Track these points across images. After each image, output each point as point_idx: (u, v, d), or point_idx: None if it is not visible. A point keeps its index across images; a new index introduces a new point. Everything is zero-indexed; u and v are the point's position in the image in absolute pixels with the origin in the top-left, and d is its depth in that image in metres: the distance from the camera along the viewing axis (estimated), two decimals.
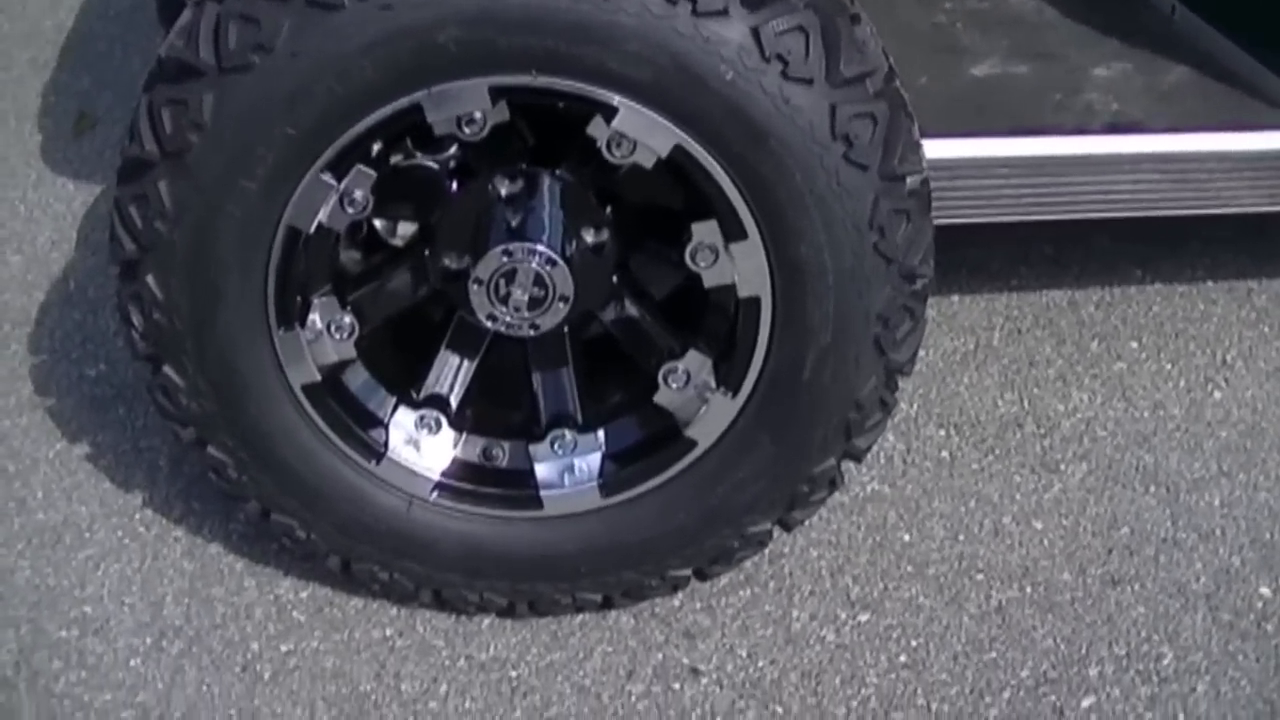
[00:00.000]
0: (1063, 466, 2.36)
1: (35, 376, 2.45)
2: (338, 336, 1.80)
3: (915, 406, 2.46)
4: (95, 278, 2.71)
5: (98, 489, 2.23)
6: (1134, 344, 2.66)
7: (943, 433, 2.41)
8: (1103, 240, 2.83)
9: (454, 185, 1.79)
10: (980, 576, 2.15)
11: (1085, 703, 1.97)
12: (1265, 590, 2.15)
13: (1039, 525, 2.25)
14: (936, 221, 1.83)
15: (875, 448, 2.13)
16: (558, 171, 1.78)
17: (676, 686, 1.96)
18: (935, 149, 2.03)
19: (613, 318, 1.86)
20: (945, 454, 2.37)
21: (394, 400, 1.88)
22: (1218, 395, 2.54)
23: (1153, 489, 2.32)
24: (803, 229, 1.65)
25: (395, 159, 1.74)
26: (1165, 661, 2.03)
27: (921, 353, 2.11)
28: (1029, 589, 2.13)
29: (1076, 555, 2.19)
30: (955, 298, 2.74)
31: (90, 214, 2.93)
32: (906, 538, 2.21)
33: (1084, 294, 2.78)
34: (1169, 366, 2.60)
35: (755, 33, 1.56)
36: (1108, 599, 2.12)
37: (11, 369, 2.48)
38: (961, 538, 2.21)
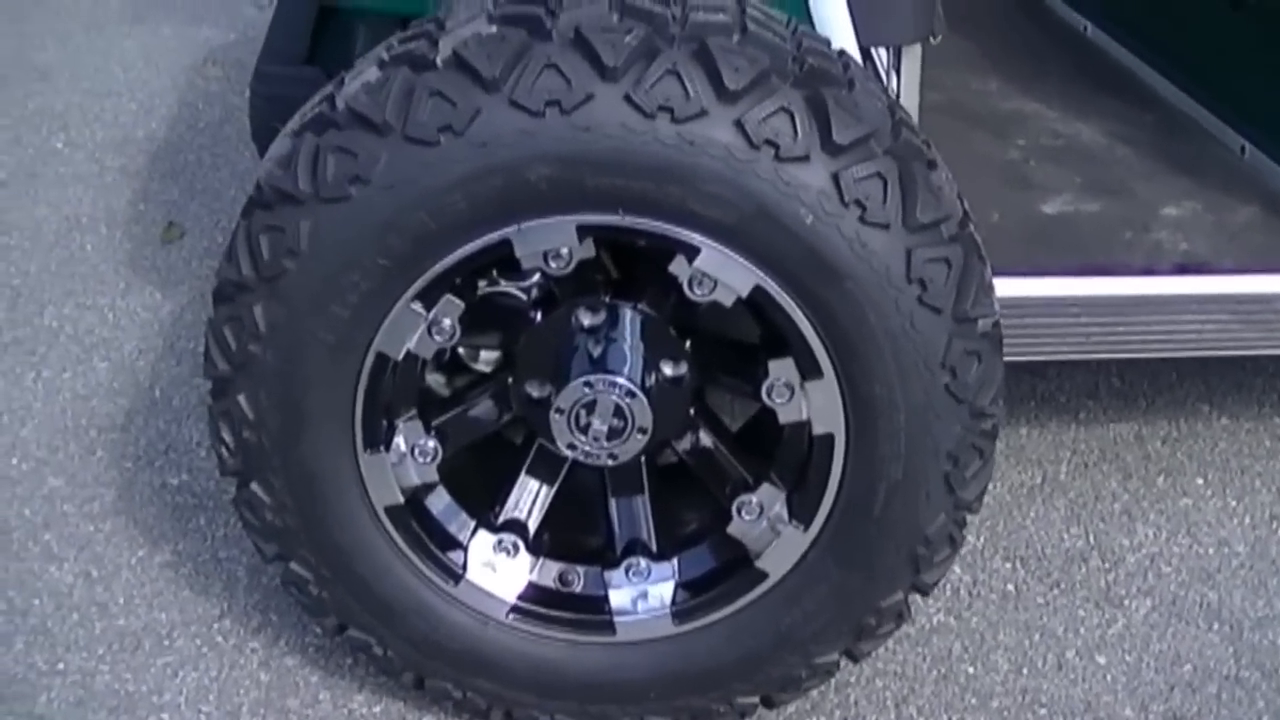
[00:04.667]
0: (1127, 602, 2.37)
1: (119, 483, 2.52)
2: (421, 460, 1.85)
3: (982, 539, 2.48)
4: (180, 387, 2.79)
5: (178, 597, 2.28)
6: (1199, 480, 2.67)
7: (1008, 566, 2.43)
8: (1170, 375, 2.86)
9: (538, 315, 1.85)
10: (1043, 711, 2.16)
11: None
12: None
13: (1102, 660, 2.25)
14: (1005, 359, 1.88)
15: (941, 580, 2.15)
16: (639, 305, 1.83)
17: None
18: (1006, 287, 2.08)
19: (688, 448, 1.90)
20: (1010, 587, 2.39)
21: (474, 524, 1.92)
22: None
23: (1216, 626, 2.33)
24: (876, 369, 1.69)
25: (482, 287, 1.79)
26: None
27: (989, 486, 2.15)
28: None
29: (1139, 691, 2.20)
30: (1023, 430, 2.77)
31: (177, 322, 3.02)
32: (971, 670, 2.22)
33: (1151, 429, 2.80)
34: (1234, 503, 2.61)
35: (835, 178, 1.61)
36: None
37: (96, 475, 2.54)
38: (1025, 671, 2.22)
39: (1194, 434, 2.79)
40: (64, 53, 4.31)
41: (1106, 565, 2.44)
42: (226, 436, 1.78)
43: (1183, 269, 2.32)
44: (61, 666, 2.13)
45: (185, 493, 2.51)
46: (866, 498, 1.77)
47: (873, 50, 2.08)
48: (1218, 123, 2.82)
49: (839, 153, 1.60)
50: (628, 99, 1.57)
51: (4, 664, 2.13)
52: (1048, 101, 2.94)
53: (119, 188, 3.59)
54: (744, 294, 1.69)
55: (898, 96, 2.12)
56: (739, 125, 1.58)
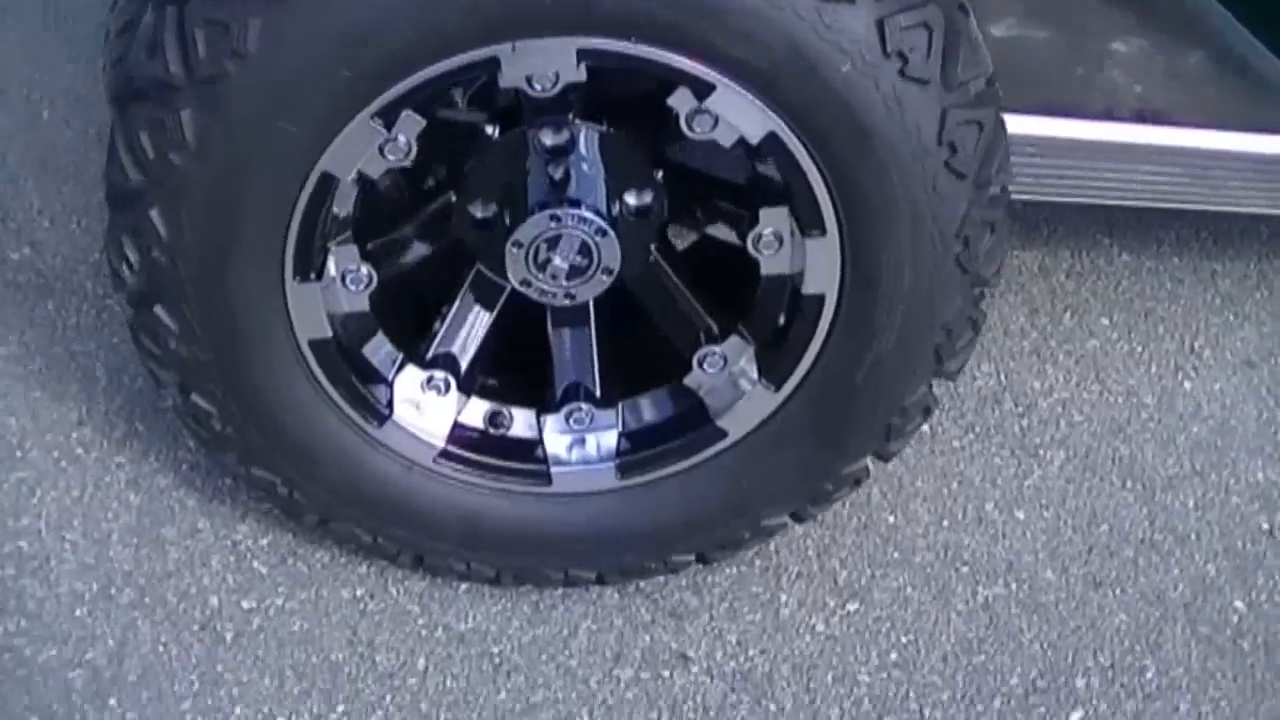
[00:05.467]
0: (1042, 452, 2.32)
1: None
2: (353, 288, 1.64)
3: None
4: (10, 143, 2.48)
5: (27, 399, 2.04)
6: (1105, 320, 2.63)
7: None
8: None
9: (494, 130, 1.62)
10: (966, 569, 2.12)
11: (1074, 716, 1.96)
12: (1240, 604, 2.15)
13: (1021, 515, 2.22)
14: None
15: None
16: (610, 128, 1.62)
17: (666, 674, 1.89)
18: None
19: (649, 290, 1.72)
20: (926, 428, 2.30)
21: (400, 357, 1.73)
22: (1188, 386, 2.52)
23: (1129, 484, 2.31)
24: (889, 235, 1.54)
25: (443, 111, 1.56)
26: (1149, 675, 2.02)
27: None
28: (1014, 586, 2.11)
29: (1059, 552, 2.17)
30: None
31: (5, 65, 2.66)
32: (891, 520, 2.16)
33: (1054, 260, 2.74)
34: (1140, 349, 2.58)
35: (880, 25, 1.43)
36: (1090, 602, 2.11)
37: None
38: (945, 524, 2.17)
39: (1096, 269, 2.74)
40: None
41: (1019, 410, 2.39)
42: (130, 255, 1.54)
43: (1141, 117, 2.21)
44: None
45: (28, 271, 2.25)
46: (849, 365, 1.66)
47: None
48: None
49: None
50: None
51: None
52: None
53: None
54: (754, 140, 1.50)
55: None
56: None
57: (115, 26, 1.94)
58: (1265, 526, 2.29)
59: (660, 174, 1.67)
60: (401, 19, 1.39)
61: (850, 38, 1.43)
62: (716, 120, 1.52)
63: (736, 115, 1.49)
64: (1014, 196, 2.19)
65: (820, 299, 1.62)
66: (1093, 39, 2.39)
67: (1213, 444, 2.42)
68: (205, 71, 1.42)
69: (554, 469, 1.78)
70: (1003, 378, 2.45)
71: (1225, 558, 2.22)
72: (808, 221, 1.57)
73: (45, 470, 1.95)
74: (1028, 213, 2.77)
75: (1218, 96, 2.33)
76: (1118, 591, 2.13)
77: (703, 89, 1.48)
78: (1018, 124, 2.12)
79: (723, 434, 1.74)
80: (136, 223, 1.52)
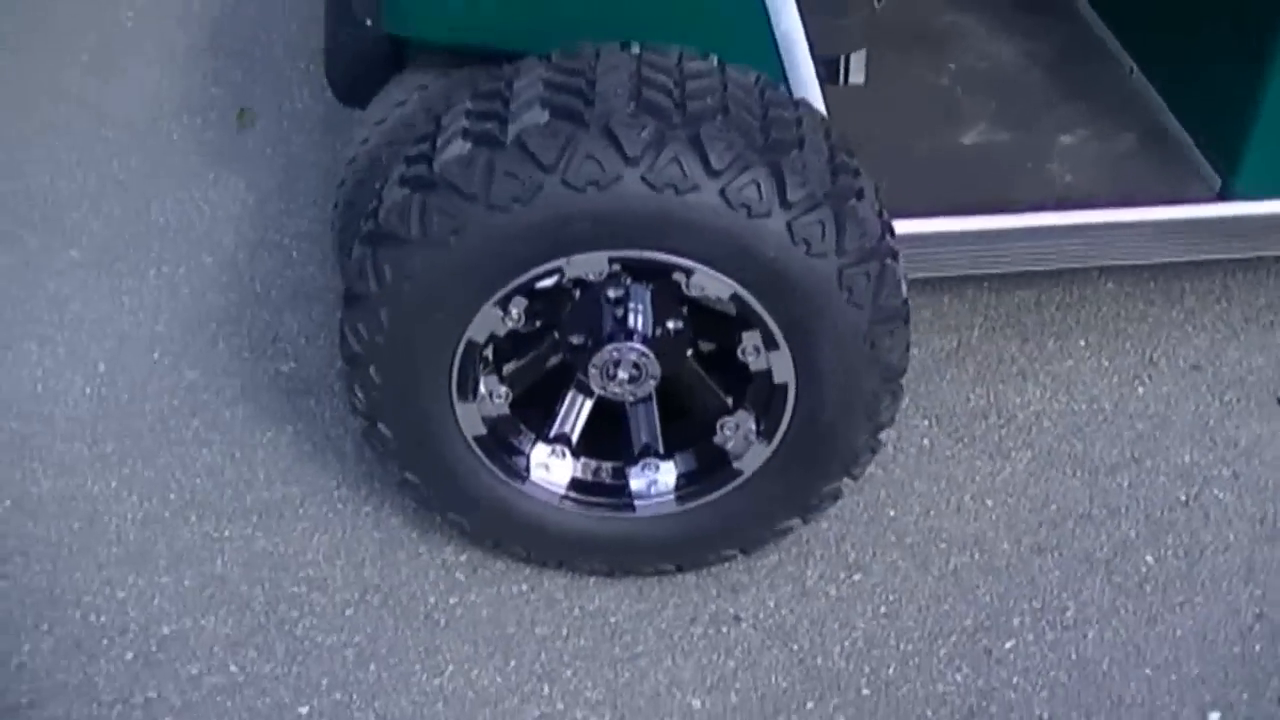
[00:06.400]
0: (1013, 453, 3.12)
1: (241, 373, 3.24)
2: (497, 401, 2.60)
3: (907, 400, 3.21)
4: (275, 279, 3.46)
5: (303, 471, 3.02)
6: (1082, 342, 3.39)
7: (925, 423, 3.19)
8: None
9: (577, 293, 2.56)
10: (943, 545, 2.94)
11: (1008, 644, 2.75)
12: (1150, 559, 2.93)
13: (990, 503, 3.03)
14: (925, 275, 2.69)
15: None
16: (648, 285, 2.54)
17: (725, 629, 2.78)
18: (926, 225, 2.81)
19: (687, 383, 2.65)
20: (926, 442, 3.16)
21: (534, 437, 2.68)
22: (1141, 390, 3.28)
23: (1079, 473, 3.09)
24: (818, 347, 2.41)
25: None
26: (1068, 614, 2.80)
27: (914, 351, 2.91)
28: (976, 555, 2.91)
29: (1015, 528, 2.97)
30: (945, 298, 3.48)
31: (262, 213, 3.65)
32: (892, 513, 3.00)
33: (1049, 295, 3.49)
34: (1106, 364, 3.34)
35: (789, 226, 2.30)
36: (1032, 564, 2.90)
37: (223, 365, 3.26)
38: (932, 513, 3.00)
39: (1084, 299, 3.49)
40: None
41: (1001, 421, 3.19)
42: (359, 394, 2.52)
43: (1062, 204, 2.97)
44: (227, 534, 2.90)
45: (295, 379, 3.22)
46: (811, 425, 2.52)
47: None
48: (1116, 42, 3.42)
49: (791, 208, 2.29)
50: (645, 179, 2.25)
51: (184, 534, 2.89)
52: (979, 16, 3.52)
53: (191, 70, 4.16)
54: (725, 296, 2.40)
55: (847, 76, 2.80)
56: (722, 194, 2.27)
57: (335, 222, 2.93)
58: (1182, 498, 3.03)
59: (685, 309, 2.59)
60: (493, 251, 2.33)
61: (773, 235, 2.31)
62: (704, 288, 2.43)
63: (711, 284, 2.38)
64: (958, 274, 3.03)
65: (786, 385, 2.50)
66: (1043, 135, 3.17)
67: (1152, 436, 3.17)
68: (391, 288, 2.40)
69: (637, 501, 2.68)
70: (991, 397, 3.26)
71: (1145, 524, 2.98)
72: (767, 340, 2.46)
73: (319, 520, 2.95)
74: None
75: (1131, 176, 3.06)
76: (1055, 555, 2.92)
77: (688, 272, 2.39)
78: (967, 223, 2.96)
79: (740, 472, 2.61)
80: (361, 375, 2.51)
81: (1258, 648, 2.78)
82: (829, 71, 3.06)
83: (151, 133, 3.89)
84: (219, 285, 3.43)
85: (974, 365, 3.32)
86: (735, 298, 2.40)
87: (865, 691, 2.68)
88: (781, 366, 2.47)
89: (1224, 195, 2.96)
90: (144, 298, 3.40)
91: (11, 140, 3.84)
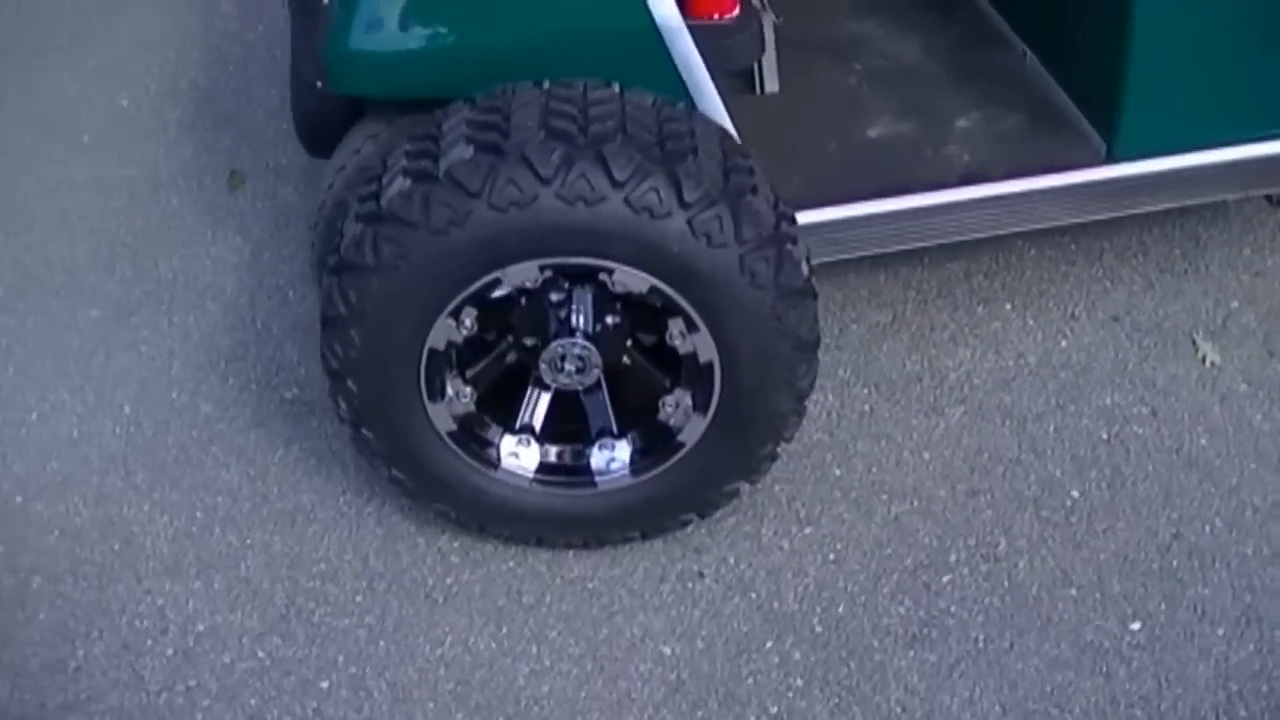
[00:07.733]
0: (946, 410, 3.44)
1: (252, 402, 3.60)
2: (463, 399, 2.97)
3: (848, 371, 3.54)
4: (274, 317, 3.80)
5: (312, 482, 3.39)
6: (1009, 305, 3.71)
7: (866, 390, 3.51)
8: None
9: (523, 300, 2.92)
10: (885, 496, 3.27)
11: (945, 579, 3.09)
12: (1075, 493, 3.24)
13: (927, 456, 3.35)
14: (841, 258, 3.02)
15: (817, 406, 3.26)
16: (586, 286, 2.90)
17: (690, 585, 3.12)
18: (836, 212, 3.15)
19: (631, 369, 3.00)
20: (867, 408, 3.49)
21: (501, 429, 3.05)
22: (1064, 343, 3.60)
23: (1008, 422, 3.40)
24: (730, 325, 2.75)
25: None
26: (1000, 548, 3.13)
27: (853, 326, 3.35)
28: (915, 503, 3.24)
29: (950, 476, 3.29)
30: (881, 276, 3.80)
31: (258, 262, 3.98)
32: (837, 472, 3.33)
33: (977, 265, 3.81)
34: (1031, 322, 3.66)
35: (689, 223, 2.66)
36: (967, 506, 3.23)
37: (234, 397, 3.63)
38: (874, 469, 3.32)
39: (1008, 266, 3.81)
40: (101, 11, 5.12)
41: (934, 383, 3.51)
42: (343, 403, 2.89)
43: (964, 180, 3.30)
44: (249, 541, 3.27)
45: (299, 403, 3.58)
46: (738, 396, 2.86)
47: None
48: (1009, 29, 3.74)
49: (689, 208, 2.65)
50: (558, 195, 2.62)
51: (211, 545, 3.27)
52: (881, 20, 3.85)
53: (182, 141, 4.53)
54: (645, 291, 2.76)
55: (763, 86, 3.16)
56: (627, 201, 2.63)
57: (314, 260, 3.30)
58: (1104, 436, 3.34)
59: (619, 305, 2.94)
60: (440, 270, 2.70)
61: (676, 232, 2.65)
62: (625, 283, 2.79)
63: (631, 280, 2.72)
64: (877, 252, 3.36)
65: (711, 363, 2.84)
66: (943, 121, 3.50)
67: (1075, 384, 3.47)
68: (359, 310, 2.77)
69: (598, 478, 3.03)
70: (926, 363, 3.58)
71: (1070, 463, 3.28)
72: (689, 325, 2.81)
73: (328, 522, 3.31)
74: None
75: (1025, 149, 3.36)
76: (987, 497, 3.24)
77: (610, 271, 2.75)
78: (875, 206, 3.30)
79: (683, 444, 2.96)
80: (342, 387, 2.88)
81: (1175, 563, 3.09)
82: (746, 83, 3.43)
83: (154, 200, 4.25)
84: (225, 327, 3.80)
85: (909, 335, 3.63)
86: (654, 290, 2.74)
87: (818, 629, 3.01)
88: (705, 347, 2.82)
89: (1109, 159, 3.26)
90: (160, 345, 3.77)
91: (30, 216, 4.23)
